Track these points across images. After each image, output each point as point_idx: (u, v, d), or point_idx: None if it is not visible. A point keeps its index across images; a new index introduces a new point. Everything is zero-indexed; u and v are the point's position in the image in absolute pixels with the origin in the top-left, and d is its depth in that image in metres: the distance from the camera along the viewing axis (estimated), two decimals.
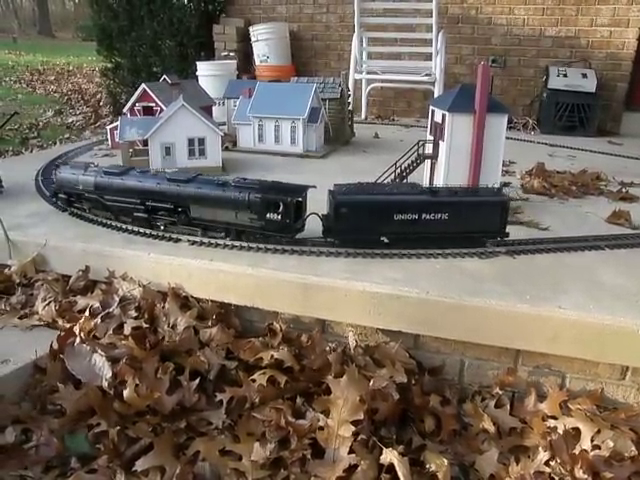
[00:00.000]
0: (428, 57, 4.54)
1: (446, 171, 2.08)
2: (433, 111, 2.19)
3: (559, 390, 1.50)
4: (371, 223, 1.77)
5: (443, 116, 2.06)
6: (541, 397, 1.50)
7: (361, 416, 1.34)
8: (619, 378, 1.49)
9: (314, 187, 1.84)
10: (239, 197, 1.79)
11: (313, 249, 1.77)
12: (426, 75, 4.52)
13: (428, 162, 2.23)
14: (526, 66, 4.86)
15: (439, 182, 2.12)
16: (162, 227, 1.94)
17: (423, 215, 1.76)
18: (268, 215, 1.77)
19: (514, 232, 1.98)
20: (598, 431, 1.35)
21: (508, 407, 1.51)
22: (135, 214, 1.97)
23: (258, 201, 1.77)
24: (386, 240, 1.82)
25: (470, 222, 1.80)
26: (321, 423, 1.37)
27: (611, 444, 1.32)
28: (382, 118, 5.06)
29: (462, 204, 1.80)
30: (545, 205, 2.39)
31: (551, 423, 1.41)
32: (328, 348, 1.59)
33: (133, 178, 1.95)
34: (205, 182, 1.87)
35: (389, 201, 1.77)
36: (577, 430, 1.38)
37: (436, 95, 4.48)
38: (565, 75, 4.40)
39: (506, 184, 2.58)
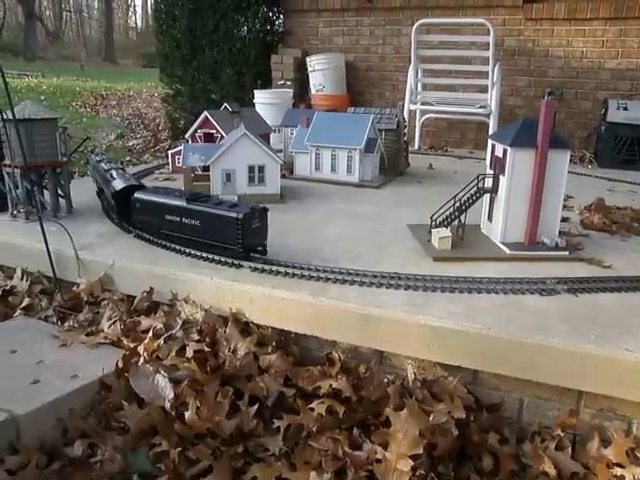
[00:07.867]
0: (483, 89, 4.54)
1: (506, 206, 2.07)
2: (493, 145, 2.19)
3: (625, 436, 1.45)
4: (154, 218, 2.12)
5: (504, 151, 2.06)
6: (605, 442, 1.45)
7: (420, 450, 1.33)
8: None
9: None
10: None
11: (374, 280, 1.79)
12: (481, 107, 4.52)
13: (488, 196, 2.22)
14: (584, 99, 4.79)
15: (499, 217, 2.11)
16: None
17: (183, 219, 2.02)
18: None
19: (575, 269, 1.95)
20: None
21: (569, 450, 1.46)
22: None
23: None
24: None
25: (217, 232, 1.94)
26: (379, 455, 1.36)
27: None
28: (435, 149, 5.06)
29: (205, 214, 1.96)
30: (606, 242, 2.34)
31: (617, 471, 1.36)
32: (386, 380, 1.59)
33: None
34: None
35: (157, 202, 2.10)
36: None
37: (491, 127, 4.46)
38: (625, 108, 4.30)
39: (564, 219, 2.55)
